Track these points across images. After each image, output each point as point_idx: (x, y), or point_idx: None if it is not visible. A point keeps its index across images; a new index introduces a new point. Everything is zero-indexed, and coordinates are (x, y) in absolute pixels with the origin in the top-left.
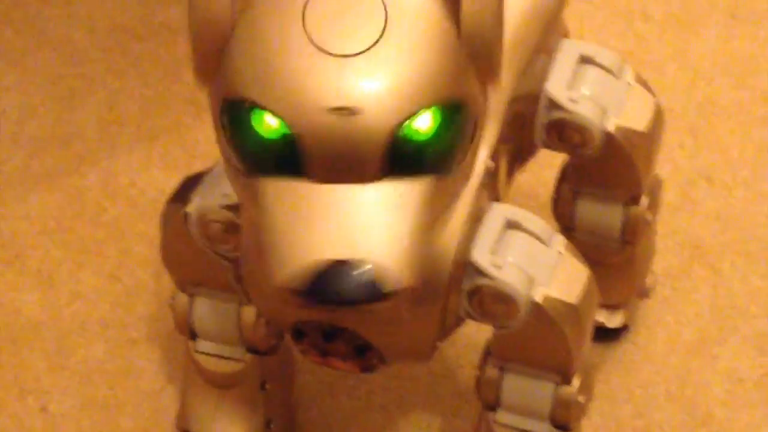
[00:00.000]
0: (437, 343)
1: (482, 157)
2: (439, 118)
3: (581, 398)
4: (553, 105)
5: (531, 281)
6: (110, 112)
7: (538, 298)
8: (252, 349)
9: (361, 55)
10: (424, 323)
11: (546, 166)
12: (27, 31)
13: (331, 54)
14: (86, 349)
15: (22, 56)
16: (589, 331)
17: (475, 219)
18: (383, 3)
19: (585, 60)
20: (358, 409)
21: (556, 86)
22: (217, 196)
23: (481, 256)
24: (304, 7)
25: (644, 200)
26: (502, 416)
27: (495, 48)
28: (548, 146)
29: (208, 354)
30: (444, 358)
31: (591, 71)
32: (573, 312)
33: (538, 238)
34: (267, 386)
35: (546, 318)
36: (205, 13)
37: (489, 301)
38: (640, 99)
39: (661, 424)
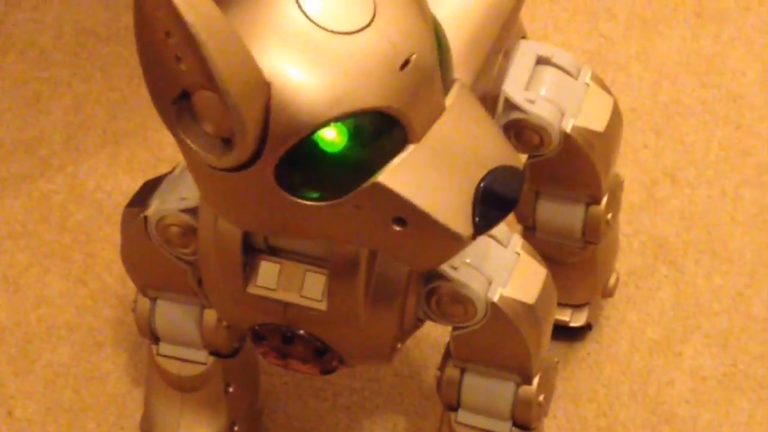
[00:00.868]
0: (397, 345)
1: None
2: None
3: (541, 398)
4: (511, 106)
5: (488, 282)
6: (76, 116)
7: (496, 298)
8: (214, 352)
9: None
10: (382, 325)
11: None
12: None
13: None
14: (52, 353)
15: None
16: (547, 331)
17: None
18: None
19: (542, 61)
20: (323, 410)
21: (514, 87)
22: (175, 200)
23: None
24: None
25: (605, 200)
26: (464, 416)
27: None
28: None
29: (170, 357)
30: (409, 358)
31: (548, 72)
32: (530, 312)
33: (495, 238)
34: (231, 388)
35: (503, 318)
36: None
37: (447, 302)
38: (597, 99)
39: (625, 423)
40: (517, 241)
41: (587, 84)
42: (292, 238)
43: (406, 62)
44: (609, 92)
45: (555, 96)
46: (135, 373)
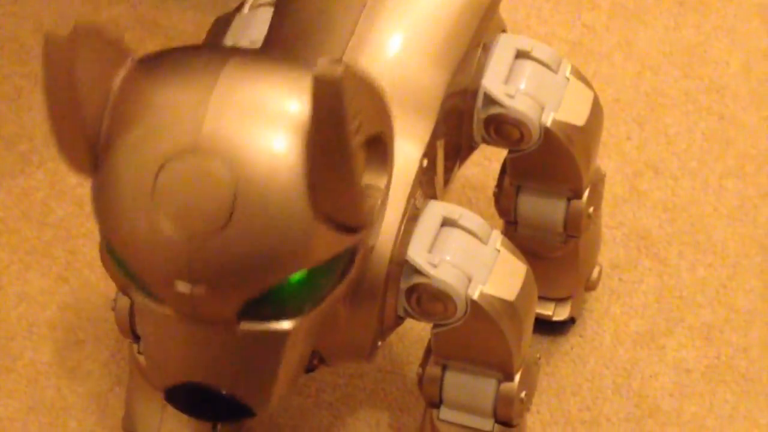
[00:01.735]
0: (377, 343)
1: (416, 156)
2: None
3: (523, 394)
4: (490, 100)
5: (468, 279)
6: None
7: (476, 295)
8: None
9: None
10: (362, 323)
11: (495, 159)
12: None
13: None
14: (33, 351)
15: None
16: (528, 327)
17: (411, 217)
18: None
19: (522, 55)
20: (306, 406)
21: (493, 81)
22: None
23: (417, 254)
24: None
25: (586, 194)
26: (446, 413)
27: (355, 211)
28: (487, 142)
29: None
30: (392, 354)
31: (528, 66)
32: (511, 309)
33: (475, 235)
34: None
35: (484, 315)
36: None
37: (427, 299)
38: (577, 93)
39: (609, 417)
40: (497, 238)
41: (567, 78)
42: None
43: None
44: (589, 86)
45: (535, 90)
46: (117, 371)
